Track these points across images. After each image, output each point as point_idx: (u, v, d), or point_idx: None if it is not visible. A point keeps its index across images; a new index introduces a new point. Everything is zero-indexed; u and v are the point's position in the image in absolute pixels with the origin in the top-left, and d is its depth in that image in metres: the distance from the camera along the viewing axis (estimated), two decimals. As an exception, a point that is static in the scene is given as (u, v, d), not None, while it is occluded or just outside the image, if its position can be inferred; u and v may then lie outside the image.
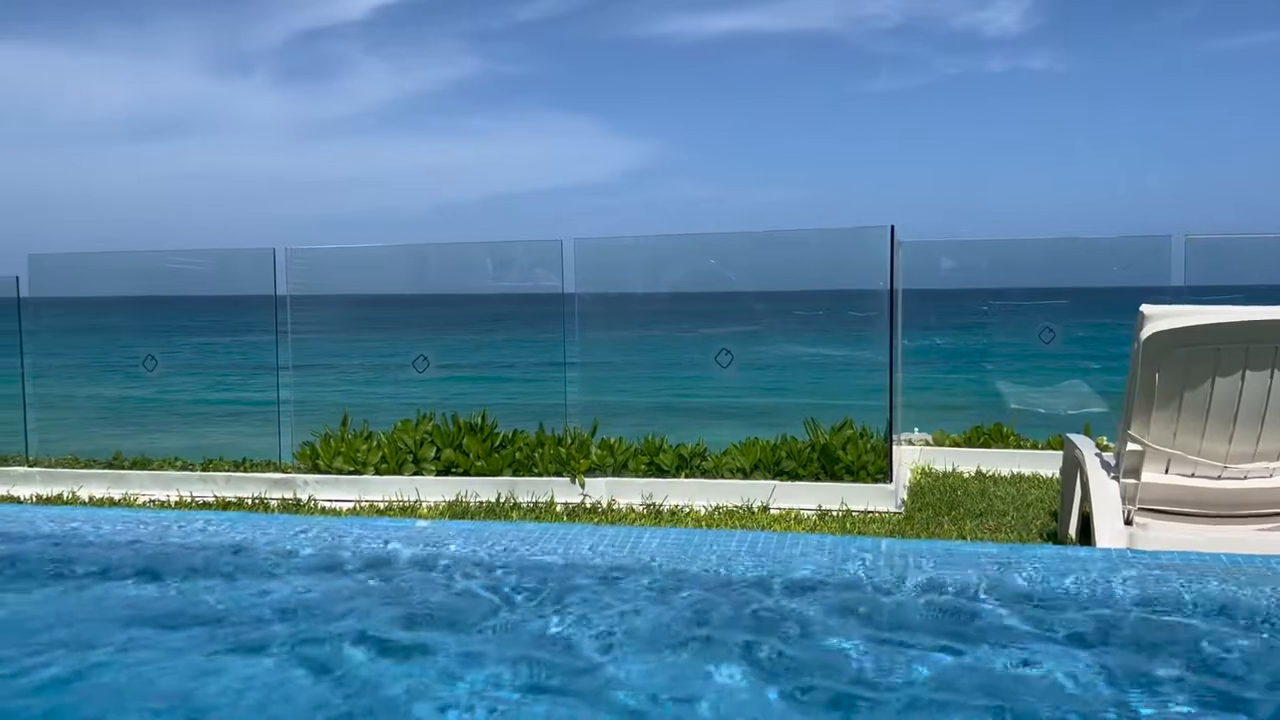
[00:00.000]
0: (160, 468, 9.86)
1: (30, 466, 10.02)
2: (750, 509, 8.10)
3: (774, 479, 8.33)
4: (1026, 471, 9.58)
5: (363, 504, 8.92)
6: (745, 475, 8.41)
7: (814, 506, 8.09)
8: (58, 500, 9.24)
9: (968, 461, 9.75)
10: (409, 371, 9.53)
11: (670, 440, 8.94)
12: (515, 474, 8.94)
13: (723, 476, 8.46)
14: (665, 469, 8.61)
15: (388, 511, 8.59)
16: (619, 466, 8.74)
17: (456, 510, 8.41)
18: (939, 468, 9.67)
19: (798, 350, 9.61)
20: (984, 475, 9.48)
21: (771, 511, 8.08)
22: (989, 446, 9.95)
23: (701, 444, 8.71)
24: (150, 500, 9.27)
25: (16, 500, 9.30)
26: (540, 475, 8.87)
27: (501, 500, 8.64)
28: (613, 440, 8.96)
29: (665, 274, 9.92)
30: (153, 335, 10.65)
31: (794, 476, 8.31)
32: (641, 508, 8.29)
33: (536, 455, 8.93)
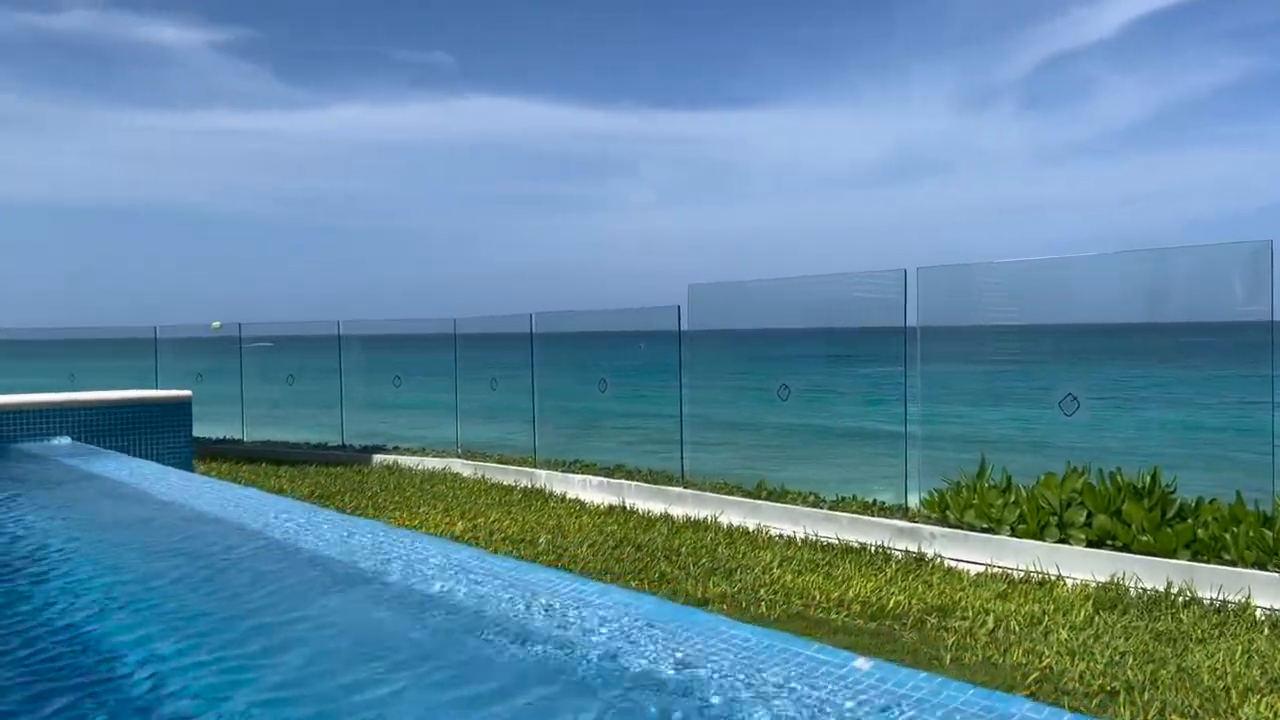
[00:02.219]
0: (793, 501, 9.57)
1: (684, 488, 10.51)
2: None
3: None
4: None
5: (994, 569, 7.51)
6: None
7: None
8: (703, 523, 9.46)
9: None
10: (1053, 412, 7.84)
11: None
12: (1195, 557, 6.73)
13: None
14: None
15: (1023, 585, 7.06)
16: (1360, 566, 6.03)
17: (1108, 597, 6.55)
18: None
19: None
20: None
21: None
22: None
23: None
24: (779, 534, 8.99)
25: (672, 518, 9.76)
26: (1233, 564, 6.55)
27: (1173, 591, 6.54)
28: (1352, 526, 6.25)
29: None
30: (789, 363, 10.51)
31: None
32: (1398, 633, 5.56)
33: (1229, 536, 6.61)
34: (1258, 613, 6.12)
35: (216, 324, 16.77)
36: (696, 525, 9.39)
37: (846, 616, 6.14)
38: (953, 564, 7.78)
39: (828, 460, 10.83)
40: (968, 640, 5.56)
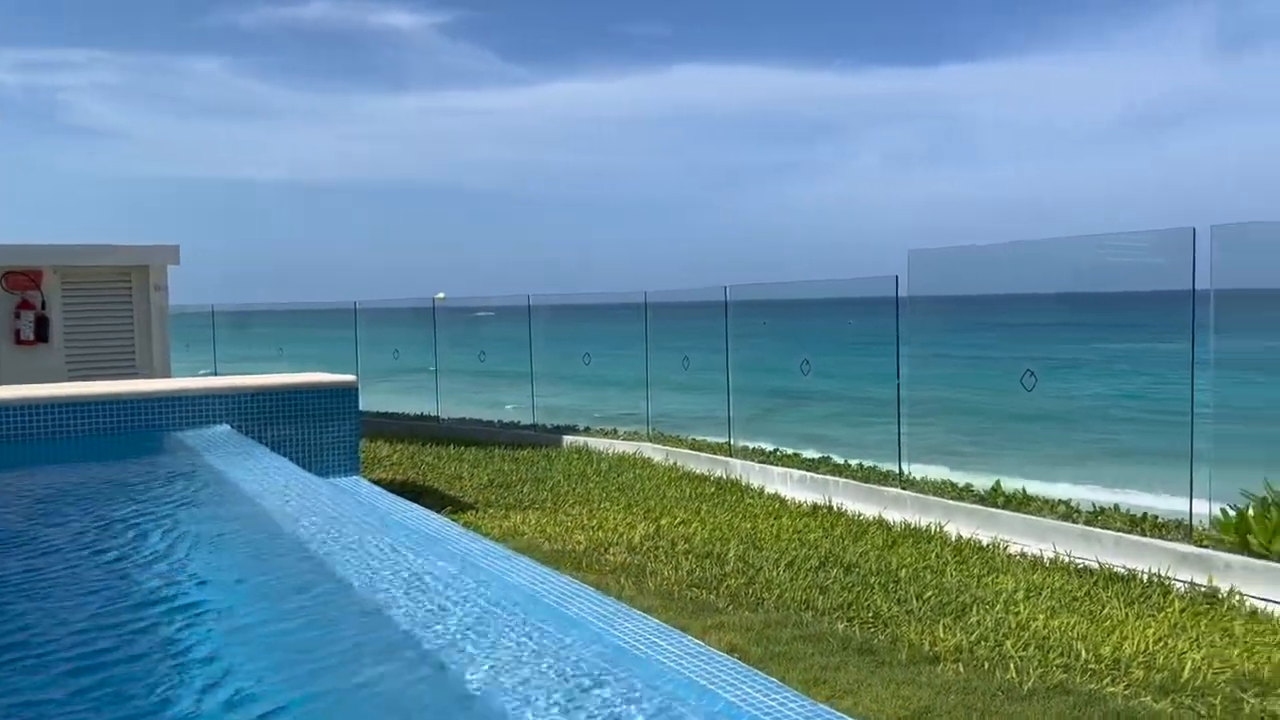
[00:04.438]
0: (1038, 510, 7.97)
1: (903, 489, 9.08)
2: None
3: None
4: None
5: (1319, 617, 5.74)
6: None
7: None
8: (924, 533, 8.04)
9: None
10: None
11: None
12: None
13: None
14: None
15: (1364, 642, 5.30)
16: None
17: None
18: None
19: None
20: None
21: None
22: None
23: None
24: (1020, 552, 7.46)
25: (887, 524, 8.39)
26: None
27: None
28: None
29: None
30: (1033, 333, 8.86)
31: None
32: None
33: None
34: None
35: (440, 295, 16.71)
36: (917, 536, 7.98)
37: (1128, 689, 4.65)
38: (1260, 604, 6.05)
39: (1084, 458, 9.13)
40: (1319, 749, 3.99)
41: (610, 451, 12.43)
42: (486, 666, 3.17)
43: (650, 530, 7.93)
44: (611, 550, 7.28)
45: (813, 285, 10.69)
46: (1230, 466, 7.30)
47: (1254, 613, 5.91)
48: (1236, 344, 7.34)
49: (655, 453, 12.13)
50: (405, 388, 17.15)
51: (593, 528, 8.04)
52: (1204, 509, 7.02)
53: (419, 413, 15.86)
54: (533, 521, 8.36)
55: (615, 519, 8.43)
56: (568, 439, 13.26)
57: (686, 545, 7.41)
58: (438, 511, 8.09)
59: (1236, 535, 6.51)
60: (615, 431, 13.33)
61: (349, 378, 7.99)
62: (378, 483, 8.97)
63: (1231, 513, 6.67)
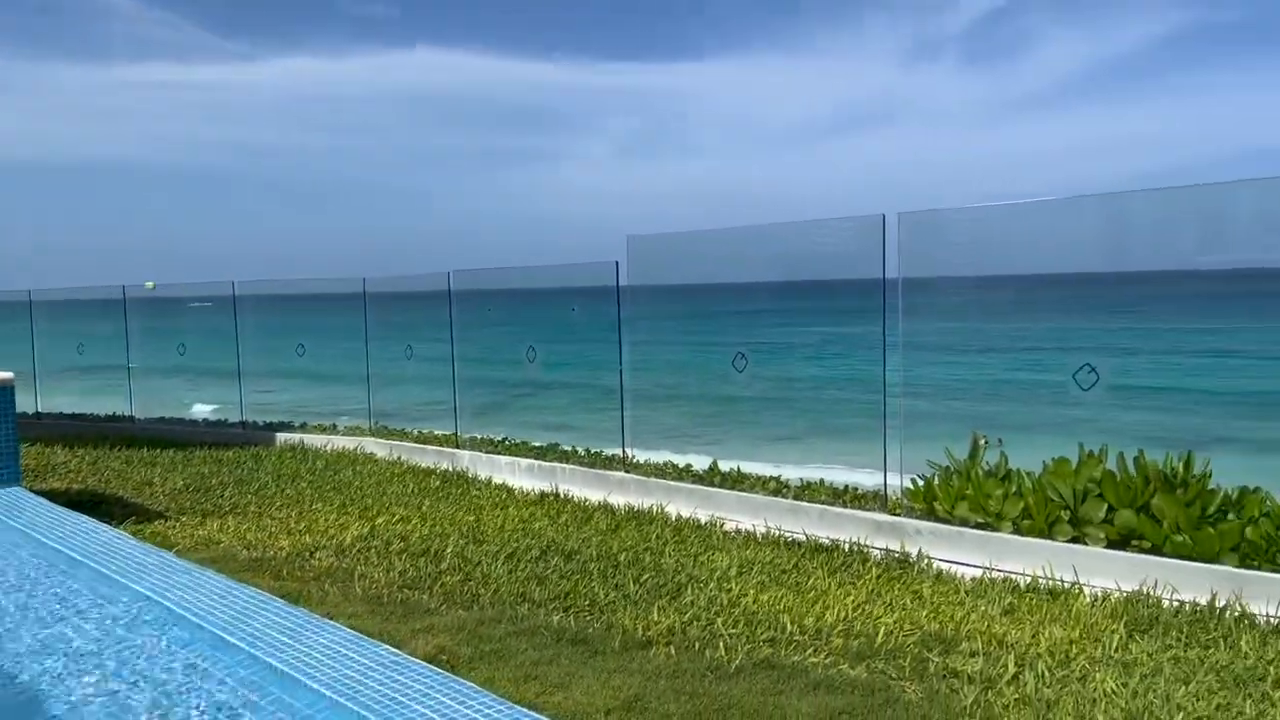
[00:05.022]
0: (752, 488, 8.24)
1: (627, 472, 9.12)
2: None
3: None
4: None
5: (994, 573, 6.25)
6: None
7: None
8: (647, 515, 8.08)
9: None
10: (1053, 379, 6.55)
11: None
12: (1244, 563, 5.51)
13: None
14: None
15: (1031, 595, 5.80)
16: None
17: (1141, 614, 5.30)
18: None
19: None
20: None
21: None
22: None
23: None
24: (736, 529, 7.65)
25: (612, 509, 8.37)
26: (1293, 572, 5.34)
27: (1218, 604, 5.32)
28: None
29: None
30: (744, 320, 9.15)
31: None
32: None
33: (1286, 537, 5.39)
34: (1330, 635, 4.92)
35: (150, 284, 15.07)
36: (640, 518, 8.02)
37: (828, 658, 4.80)
38: (944, 566, 6.51)
39: (799, 438, 9.54)
40: (991, 699, 4.26)
41: (329, 448, 11.73)
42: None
43: (364, 530, 7.47)
44: (318, 555, 6.78)
45: (538, 271, 10.52)
46: (923, 441, 7.82)
47: (940, 574, 6.35)
48: (924, 326, 7.88)
49: (378, 448, 11.58)
50: (97, 387, 15.46)
51: (300, 531, 7.48)
52: (901, 481, 7.49)
53: (111, 413, 14.33)
54: (232, 528, 7.66)
55: (327, 520, 7.90)
56: (282, 437, 12.39)
57: (403, 544, 7.02)
58: (116, 523, 7.24)
59: (924, 502, 6.99)
60: (335, 427, 12.61)
61: (5, 375, 6.96)
62: (47, 493, 7.92)
63: (920, 482, 7.14)
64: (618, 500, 8.70)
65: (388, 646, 3.88)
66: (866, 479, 7.98)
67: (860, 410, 8.81)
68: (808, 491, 7.89)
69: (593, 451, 9.77)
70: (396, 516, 8.02)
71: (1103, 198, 6.92)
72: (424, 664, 3.83)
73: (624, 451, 9.34)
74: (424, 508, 8.46)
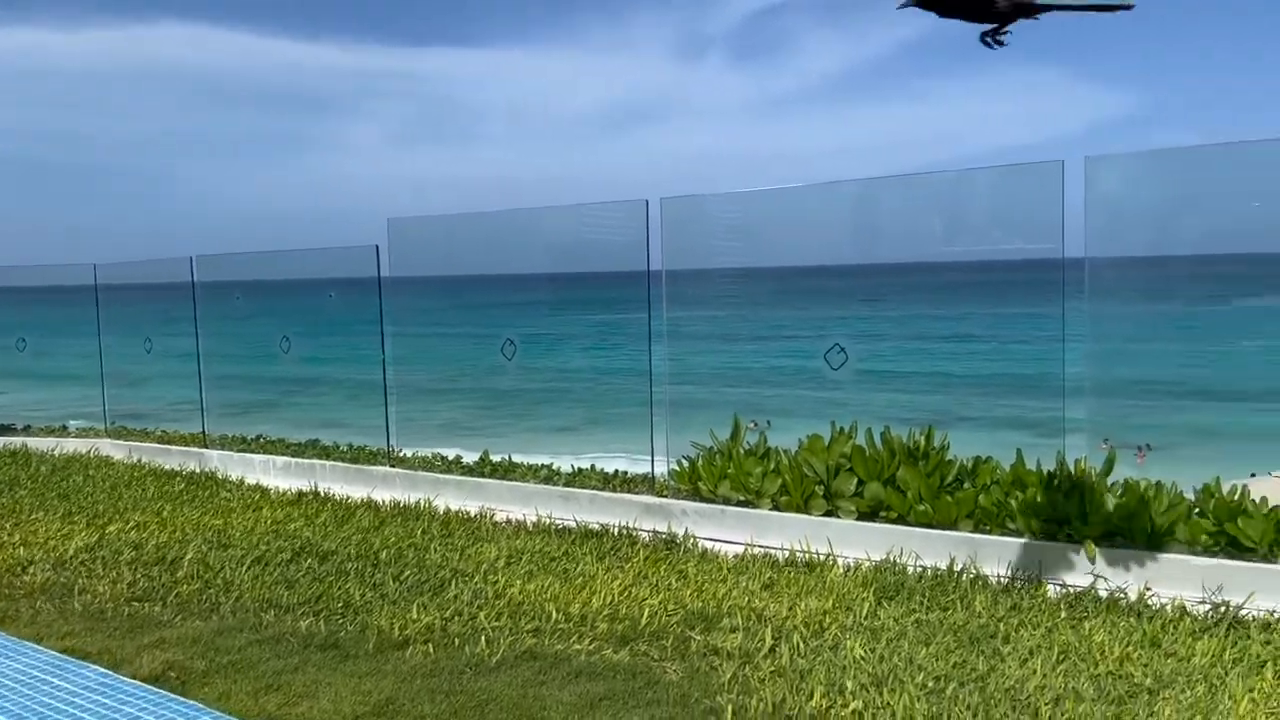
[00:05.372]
0: (523, 476, 8.09)
1: (392, 467, 8.76)
2: None
3: None
4: None
5: (755, 548, 6.40)
6: None
7: None
8: (413, 510, 7.77)
9: None
10: (808, 362, 6.81)
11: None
12: (978, 529, 5.90)
13: (1370, 571, 4.78)
14: (1249, 545, 5.09)
15: (789, 568, 5.98)
16: (1159, 533, 5.35)
17: (888, 581, 5.57)
18: None
19: None
20: None
21: None
22: None
23: (1325, 508, 5.06)
24: (507, 519, 7.48)
25: (375, 506, 7.98)
26: (1019, 535, 5.76)
27: (956, 569, 5.67)
28: (1145, 486, 5.58)
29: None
30: (514, 312, 8.99)
31: None
32: (1200, 608, 4.90)
33: (1013, 502, 5.81)
34: (1050, 591, 5.34)
35: None
36: (406, 513, 7.70)
37: (592, 644, 4.73)
38: (709, 545, 6.60)
39: (573, 428, 9.46)
40: (748, 673, 4.31)
41: (57, 452, 10.60)
42: None
43: (91, 540, 6.75)
44: (32, 569, 6.05)
45: (291, 258, 9.92)
46: (696, 427, 7.91)
47: (704, 553, 6.43)
48: (690, 314, 7.99)
49: (116, 450, 10.58)
50: None
51: (13, 544, 6.67)
52: (668, 464, 7.56)
53: None
54: (-72, 546, 6.73)
55: (48, 530, 7.09)
56: (1, 440, 11.10)
57: (135, 553, 6.39)
58: None
59: (689, 483, 7.08)
60: (65, 429, 11.43)
61: None
62: None
63: (686, 464, 7.23)
64: (383, 496, 8.32)
65: (99, 667, 3.46)
66: (643, 467, 8.02)
67: (636, 399, 8.84)
68: (579, 478, 7.83)
69: (355, 446, 9.32)
70: (131, 523, 7.31)
71: (859, 183, 7.23)
72: (142, 684, 3.44)
73: (389, 445, 8.96)
74: (164, 513, 7.76)
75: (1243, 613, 4.79)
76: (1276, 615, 4.72)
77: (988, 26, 4.32)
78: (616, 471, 7.79)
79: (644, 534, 6.90)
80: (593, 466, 8.09)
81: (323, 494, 8.51)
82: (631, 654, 4.61)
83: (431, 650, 4.64)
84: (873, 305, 8.67)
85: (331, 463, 9.07)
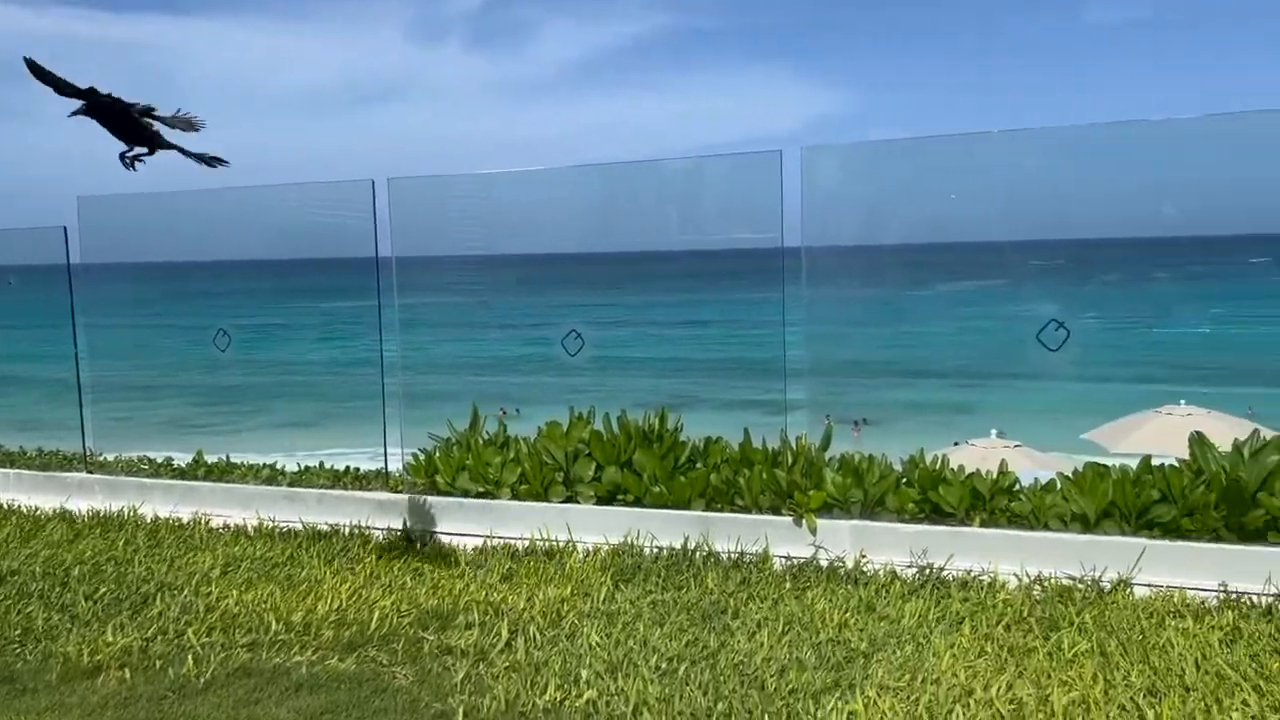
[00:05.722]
0: (242, 477, 7.51)
1: (89, 473, 7.88)
2: (1097, 584, 4.92)
3: (1139, 535, 5.10)
4: None
5: (495, 540, 6.25)
6: (1088, 527, 5.21)
7: (1214, 586, 4.83)
8: (116, 520, 7.02)
9: None
10: (554, 350, 6.74)
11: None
12: (710, 507, 6.05)
13: (1048, 527, 5.29)
14: (949, 510, 5.51)
15: (529, 558, 5.88)
16: (872, 503, 5.70)
17: (626, 564, 5.59)
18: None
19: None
20: None
21: (1136, 590, 4.88)
22: None
23: (1010, 474, 5.54)
24: (225, 524, 6.90)
25: (71, 516, 7.14)
26: (748, 510, 5.95)
27: (690, 546, 5.78)
28: (859, 459, 5.92)
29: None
30: (232, 301, 8.34)
31: (1176, 533, 5.05)
32: (909, 571, 5.26)
33: (741, 480, 6.00)
34: (776, 563, 5.56)
35: None
36: (107, 524, 6.94)
37: (315, 654, 4.42)
38: (448, 539, 6.39)
39: (308, 423, 8.89)
40: (483, 671, 4.16)
41: None
42: None
43: None
44: None
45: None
46: (439, 420, 7.63)
47: (442, 548, 6.21)
48: (426, 301, 7.70)
49: None
50: None
51: None
52: (402, 457, 7.24)
53: None
54: None
55: None
56: None
57: None
58: None
59: (426, 477, 6.82)
60: None
61: None
62: None
63: (422, 456, 6.96)
64: (80, 506, 7.46)
65: None
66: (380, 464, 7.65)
67: (375, 392, 8.42)
68: (305, 477, 7.36)
69: (47, 452, 8.31)
70: None
71: (598, 168, 7.20)
72: None
73: (85, 449, 8.05)
74: None
75: (944, 573, 5.18)
76: (972, 574, 5.14)
77: (138, 150, 4.80)
78: (348, 468, 7.38)
79: (378, 533, 6.58)
80: (321, 464, 7.63)
81: (7, 506, 7.53)
82: (359, 661, 4.34)
83: (128, 676, 4.16)
84: (613, 293, 8.75)
85: (17, 471, 8.04)
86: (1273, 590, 4.72)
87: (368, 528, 6.62)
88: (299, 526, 6.70)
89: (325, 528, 6.64)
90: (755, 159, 5.77)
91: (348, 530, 6.57)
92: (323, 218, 7.59)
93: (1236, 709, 3.56)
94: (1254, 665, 3.94)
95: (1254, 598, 4.70)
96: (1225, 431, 6.04)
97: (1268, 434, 5.20)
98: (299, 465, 7.60)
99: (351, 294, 7.92)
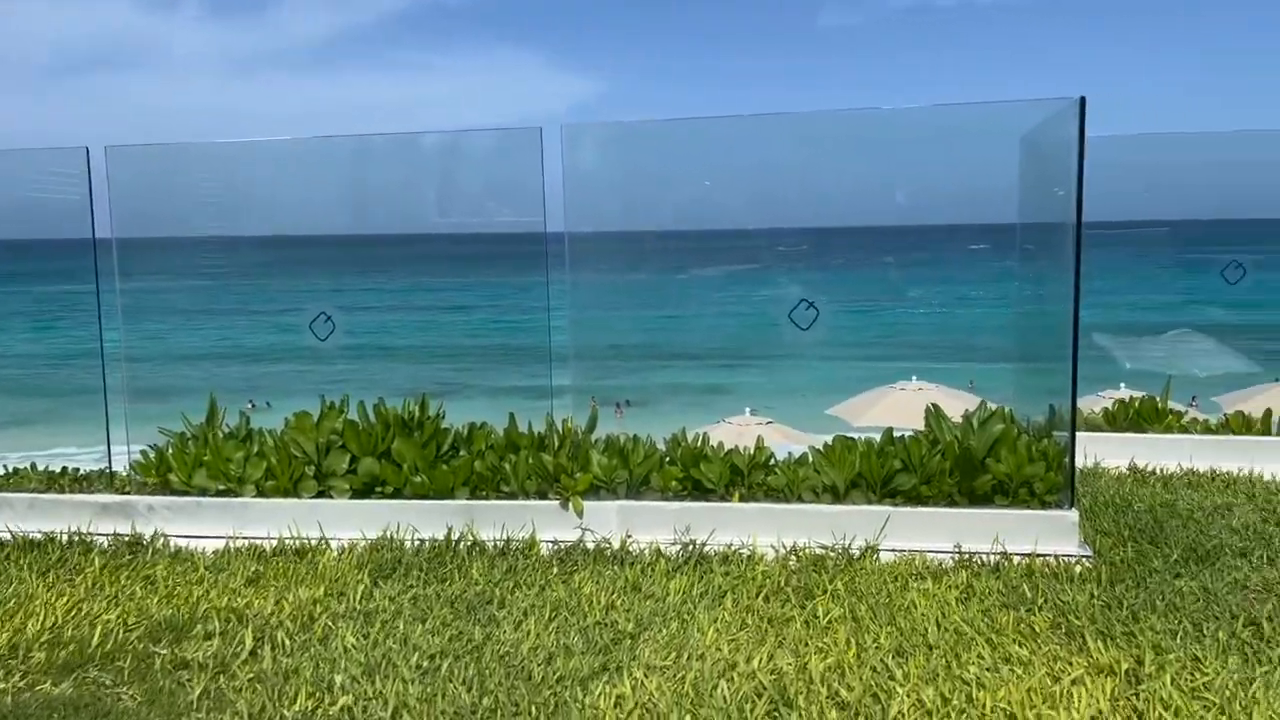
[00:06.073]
0: (-66, 484, 6.57)
1: None
2: (847, 552, 5.17)
3: (884, 503, 5.39)
4: (1202, 467, 6.80)
5: (238, 541, 5.77)
6: (838, 497, 5.44)
7: (950, 548, 5.18)
8: None
9: (1116, 453, 6.95)
10: (306, 338, 6.32)
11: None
12: (474, 495, 5.86)
13: (802, 499, 5.49)
14: (710, 486, 5.60)
15: (278, 558, 5.48)
16: (637, 483, 5.71)
17: (385, 559, 5.32)
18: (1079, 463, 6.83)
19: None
20: (1148, 475, 6.69)
21: (883, 556, 5.16)
22: (1142, 429, 7.15)
23: (766, 450, 5.71)
24: (-88, 539, 6.00)
25: None
26: (514, 497, 5.82)
27: (455, 537, 5.59)
28: (624, 440, 5.92)
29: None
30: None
31: (916, 499, 5.37)
32: (674, 549, 5.32)
33: (507, 465, 5.85)
34: (543, 549, 5.46)
35: None
36: None
37: (24, 679, 3.89)
38: (184, 543, 5.85)
39: (28, 421, 7.89)
40: (224, 685, 3.80)
41: None
42: None
43: None
44: None
45: None
46: (170, 412, 6.98)
47: (178, 553, 5.68)
48: (150, 286, 7.02)
49: None
50: None
51: None
52: (128, 455, 6.58)
53: None
54: None
55: None
56: None
57: None
58: None
59: (158, 475, 6.22)
60: None
61: None
62: None
63: (152, 453, 6.34)
64: None
65: None
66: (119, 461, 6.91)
67: (99, 386, 7.62)
68: (13, 480, 6.54)
69: None
70: None
71: (351, 139, 6.77)
72: None
73: None
74: None
75: (707, 549, 5.27)
76: (733, 548, 5.25)
77: None
78: (64, 469, 6.61)
79: (102, 539, 5.93)
80: (32, 465, 6.80)
81: None
82: (76, 684, 3.86)
83: None
84: (370, 277, 8.33)
85: None
86: (999, 549, 5.12)
87: (90, 534, 5.95)
88: (7, 536, 5.94)
89: (39, 536, 5.92)
90: (515, 135, 5.62)
91: (66, 538, 5.89)
92: (31, 192, 6.75)
93: (973, 662, 3.80)
94: (986, 620, 4.24)
95: (984, 557, 5.08)
96: (952, 404, 6.51)
97: (993, 406, 5.64)
98: (6, 467, 6.74)
99: (70, 277, 7.12)
